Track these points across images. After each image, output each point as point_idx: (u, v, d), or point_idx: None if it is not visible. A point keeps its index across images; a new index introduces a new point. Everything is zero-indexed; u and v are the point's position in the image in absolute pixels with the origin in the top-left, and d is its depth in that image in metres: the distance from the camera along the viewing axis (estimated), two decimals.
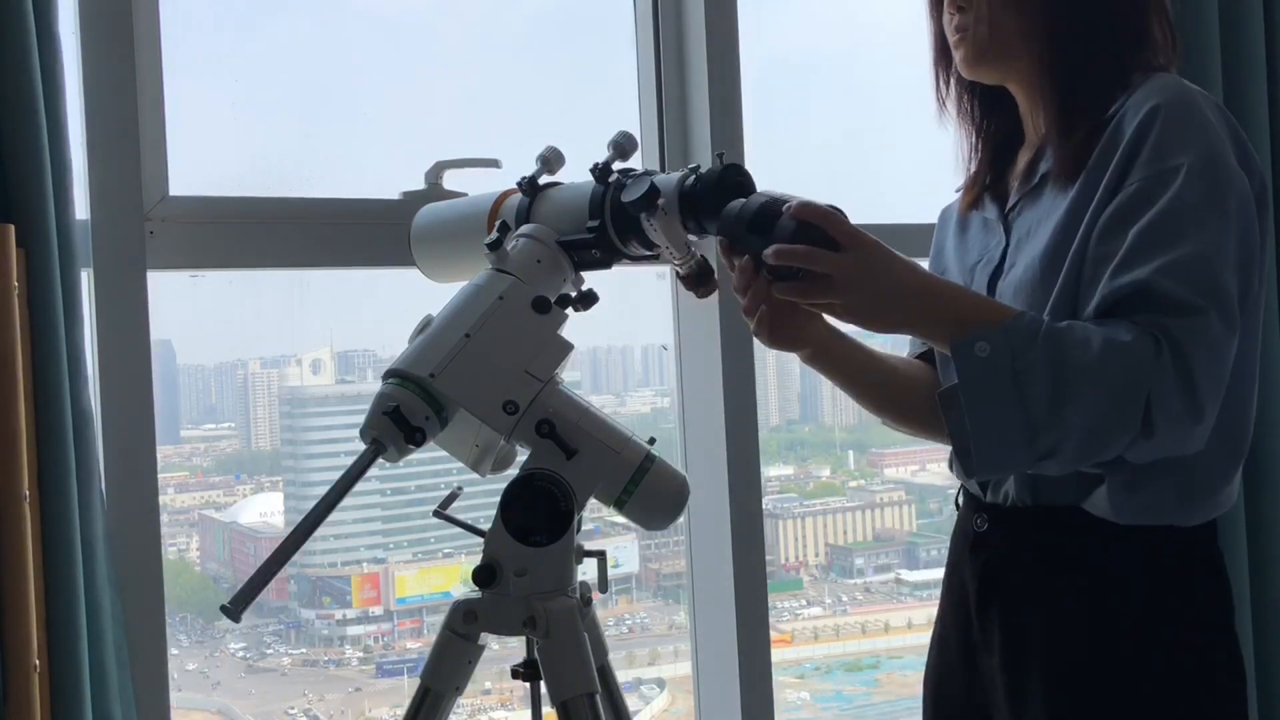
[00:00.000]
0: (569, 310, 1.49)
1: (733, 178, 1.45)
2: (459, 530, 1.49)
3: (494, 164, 1.99)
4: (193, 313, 2.17)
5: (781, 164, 2.46)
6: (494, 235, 1.48)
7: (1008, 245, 1.52)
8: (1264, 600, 2.56)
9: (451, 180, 2.03)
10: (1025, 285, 1.44)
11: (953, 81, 1.59)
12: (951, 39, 1.50)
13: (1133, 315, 1.27)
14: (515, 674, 1.48)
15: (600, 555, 1.47)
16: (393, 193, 2.08)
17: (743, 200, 1.39)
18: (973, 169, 1.63)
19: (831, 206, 1.33)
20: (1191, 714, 1.40)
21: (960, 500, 1.62)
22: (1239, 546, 2.50)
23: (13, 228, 1.60)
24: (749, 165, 1.48)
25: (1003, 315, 1.30)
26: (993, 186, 1.59)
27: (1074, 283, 1.37)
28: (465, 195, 1.84)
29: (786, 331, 1.48)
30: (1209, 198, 1.30)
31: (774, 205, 1.35)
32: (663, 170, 2.23)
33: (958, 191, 1.69)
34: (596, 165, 1.53)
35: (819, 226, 1.30)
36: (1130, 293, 1.29)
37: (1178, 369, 1.25)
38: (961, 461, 1.32)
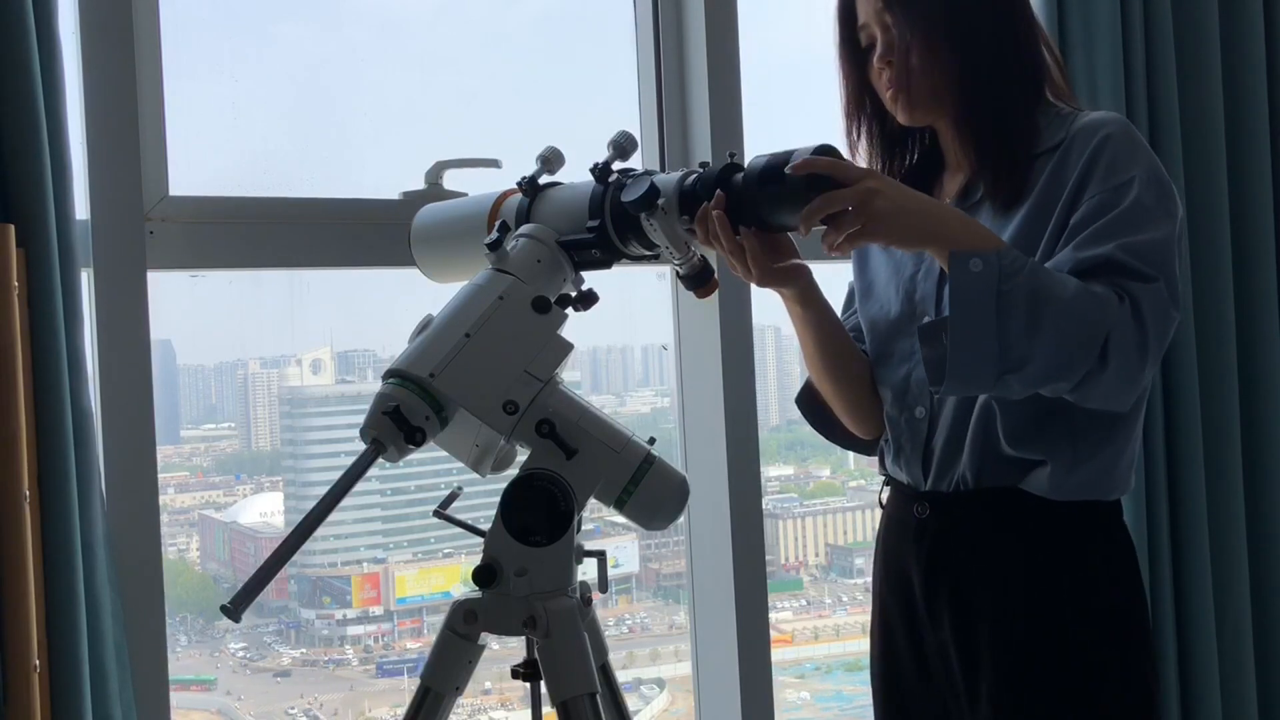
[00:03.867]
0: (569, 310, 1.49)
1: (731, 176, 1.45)
2: (459, 530, 1.49)
3: (494, 164, 1.99)
4: (193, 313, 2.17)
5: None
6: (494, 235, 1.48)
7: None
8: (1264, 600, 2.56)
9: (451, 180, 2.03)
10: None
11: (864, 130, 1.70)
12: (886, 92, 1.62)
13: (1097, 279, 1.45)
14: (515, 674, 1.48)
15: (600, 555, 1.47)
16: (393, 193, 2.08)
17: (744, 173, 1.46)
18: None
19: (823, 146, 1.42)
20: (1118, 654, 1.59)
21: (885, 497, 1.77)
22: (1239, 545, 2.51)
23: (13, 228, 1.60)
24: None
25: (998, 243, 1.45)
26: None
27: None
28: (465, 195, 1.84)
29: (776, 269, 1.58)
30: (1159, 203, 1.51)
31: (776, 165, 1.41)
32: (663, 170, 2.23)
33: None
34: (596, 165, 1.53)
35: (826, 175, 1.40)
36: (1095, 263, 1.47)
37: (1135, 319, 1.44)
38: (933, 385, 1.47)
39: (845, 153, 1.72)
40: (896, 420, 1.70)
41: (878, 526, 1.80)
